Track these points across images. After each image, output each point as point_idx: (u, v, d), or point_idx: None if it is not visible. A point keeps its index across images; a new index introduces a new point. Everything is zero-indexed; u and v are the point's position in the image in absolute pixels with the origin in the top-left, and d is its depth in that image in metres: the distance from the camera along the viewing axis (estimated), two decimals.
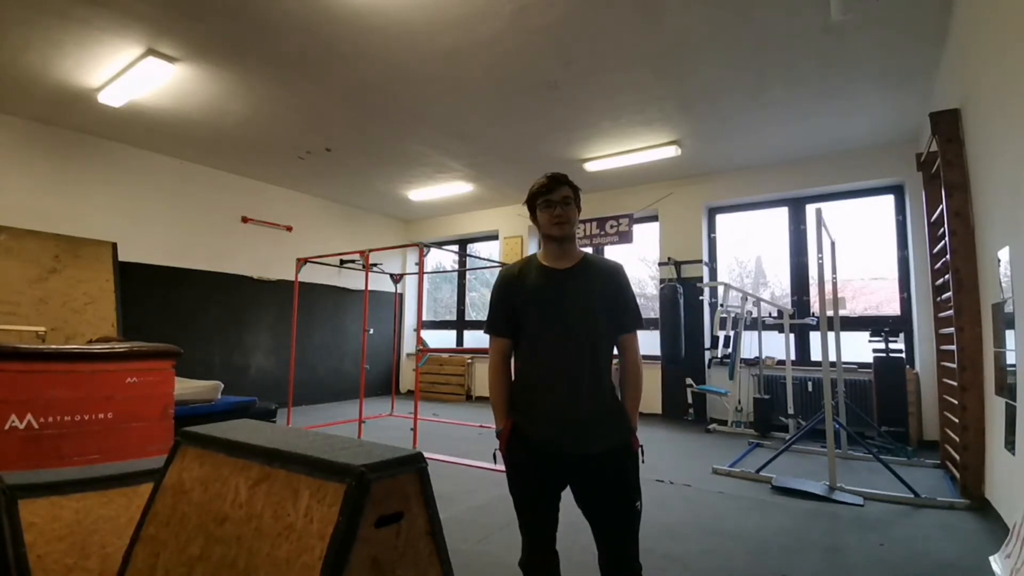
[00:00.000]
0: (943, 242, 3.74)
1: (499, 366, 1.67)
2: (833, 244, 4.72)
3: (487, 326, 1.71)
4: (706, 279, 6.61)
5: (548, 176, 1.64)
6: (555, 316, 1.57)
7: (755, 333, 5.97)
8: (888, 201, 5.83)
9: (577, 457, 1.51)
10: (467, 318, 9.05)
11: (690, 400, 6.31)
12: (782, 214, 6.42)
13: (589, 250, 1.52)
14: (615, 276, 1.65)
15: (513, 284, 1.65)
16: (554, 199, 1.60)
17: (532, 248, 8.23)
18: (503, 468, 1.62)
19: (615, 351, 1.66)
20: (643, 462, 1.61)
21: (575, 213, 1.63)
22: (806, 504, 3.34)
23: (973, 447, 3.27)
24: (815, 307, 6.05)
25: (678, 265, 6.74)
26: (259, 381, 6.94)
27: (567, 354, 1.54)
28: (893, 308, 5.75)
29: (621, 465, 1.54)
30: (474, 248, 9.16)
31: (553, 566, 1.62)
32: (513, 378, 1.67)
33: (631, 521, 1.53)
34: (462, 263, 8.78)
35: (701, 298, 6.65)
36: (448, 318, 9.40)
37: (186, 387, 4.32)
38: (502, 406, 1.63)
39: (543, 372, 1.56)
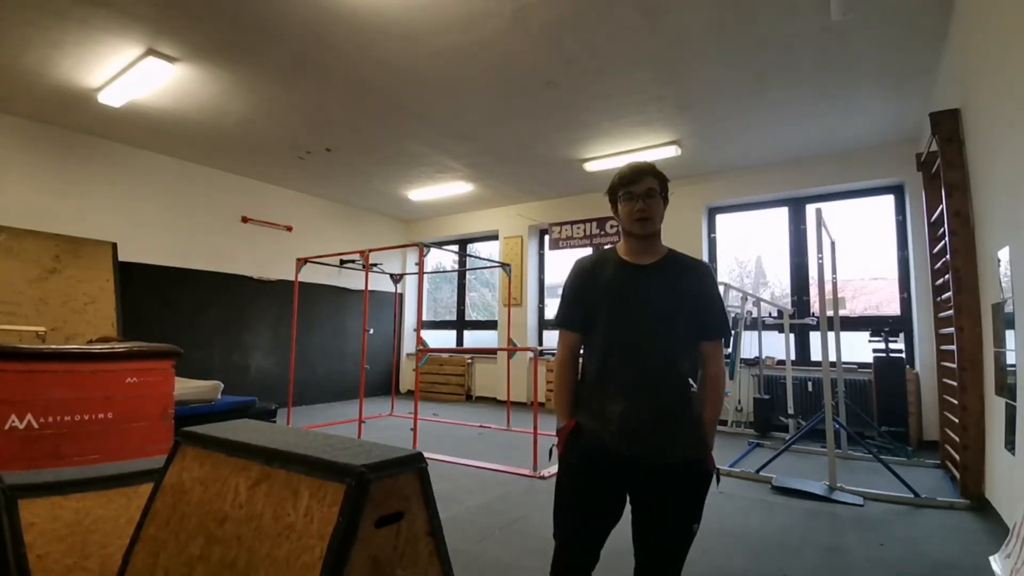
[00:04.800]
0: (943, 242, 3.74)
1: (568, 363, 1.54)
2: (833, 244, 4.72)
3: (557, 319, 1.58)
4: None
5: (631, 165, 1.49)
6: (630, 315, 1.44)
7: (755, 333, 5.97)
8: (888, 201, 5.83)
9: (643, 466, 1.40)
10: (467, 318, 9.05)
11: None
12: (782, 214, 6.42)
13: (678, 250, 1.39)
14: (701, 276, 1.50)
15: (586, 278, 1.53)
16: (636, 191, 1.45)
17: (532, 248, 8.24)
18: (551, 473, 1.52)
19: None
20: (718, 487, 1.44)
21: (660, 207, 1.48)
22: (806, 504, 3.35)
23: (973, 447, 3.27)
24: (815, 307, 6.04)
25: None
26: (259, 381, 6.94)
27: (642, 357, 1.42)
28: (893, 308, 5.75)
29: (689, 482, 1.41)
30: (474, 248, 9.16)
31: None
32: (579, 375, 1.56)
33: (682, 541, 1.43)
34: (462, 263, 8.78)
35: None
36: (448, 318, 9.40)
37: (186, 387, 4.32)
38: (567, 404, 1.52)
39: (614, 374, 1.44)
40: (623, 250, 1.54)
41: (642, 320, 1.44)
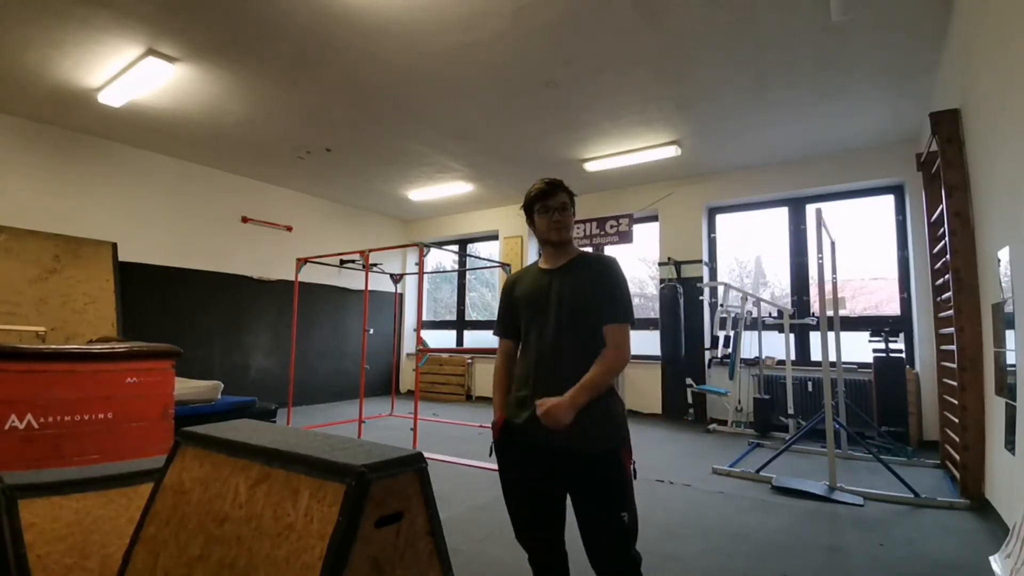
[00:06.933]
0: (943, 242, 3.73)
1: (501, 367, 1.75)
2: (833, 244, 4.72)
3: (494, 330, 1.80)
4: (706, 279, 6.61)
5: (545, 182, 1.66)
6: (542, 314, 1.60)
7: (755, 333, 5.96)
8: (888, 201, 5.83)
9: (560, 451, 1.49)
10: (467, 318, 9.05)
11: (690, 400, 6.31)
12: (782, 214, 6.42)
13: (589, 250, 1.52)
14: (604, 269, 1.62)
15: (512, 290, 1.73)
16: (552, 205, 1.63)
17: (532, 248, 8.23)
18: (496, 467, 1.65)
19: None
20: (635, 478, 1.51)
21: (572, 218, 1.68)
22: (806, 504, 3.34)
23: (973, 447, 3.27)
24: (815, 307, 6.04)
25: (678, 265, 6.74)
26: (259, 381, 6.94)
27: (551, 350, 1.56)
28: (893, 308, 5.75)
29: (603, 473, 1.48)
30: (474, 248, 9.16)
31: (557, 567, 1.60)
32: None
33: (611, 529, 1.46)
34: (462, 263, 8.78)
35: (701, 298, 6.64)
36: (448, 318, 9.40)
37: (186, 387, 4.32)
38: (499, 401, 1.70)
39: (534, 369, 1.59)
40: (542, 260, 1.73)
41: (555, 317, 1.58)
